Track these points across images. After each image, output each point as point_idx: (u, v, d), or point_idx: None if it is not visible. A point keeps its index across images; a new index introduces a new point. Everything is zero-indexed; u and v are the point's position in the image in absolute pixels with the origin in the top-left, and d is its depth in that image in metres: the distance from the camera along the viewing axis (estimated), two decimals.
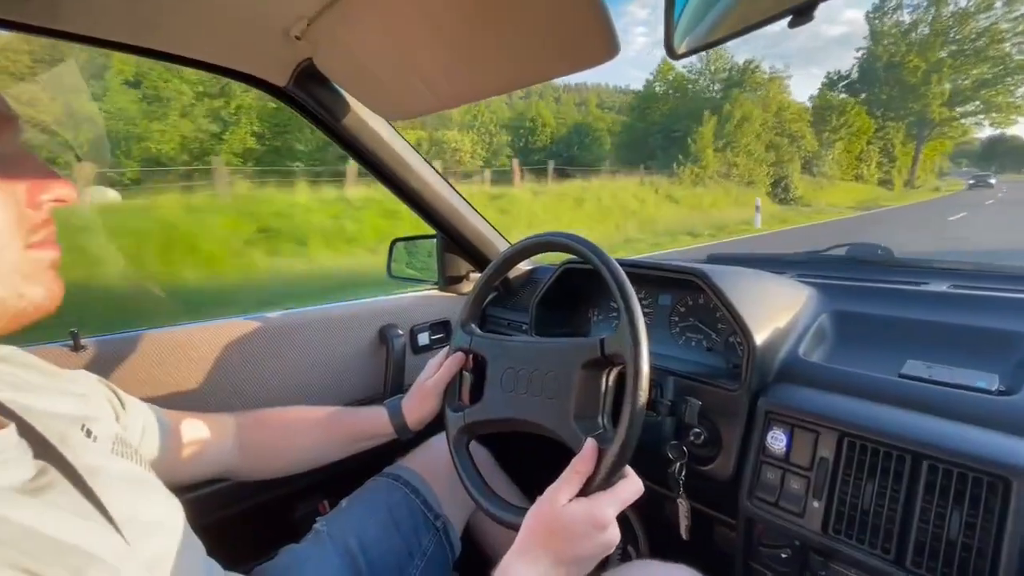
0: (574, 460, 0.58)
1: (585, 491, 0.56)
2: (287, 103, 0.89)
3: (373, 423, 0.84)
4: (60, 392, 0.52)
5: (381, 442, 0.85)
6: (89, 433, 0.50)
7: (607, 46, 0.53)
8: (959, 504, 0.55)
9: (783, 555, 0.69)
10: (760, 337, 0.75)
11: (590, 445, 0.58)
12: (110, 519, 0.42)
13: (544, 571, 0.53)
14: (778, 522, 0.69)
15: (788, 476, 0.68)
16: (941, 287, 0.85)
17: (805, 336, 0.80)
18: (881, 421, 0.63)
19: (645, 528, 1.03)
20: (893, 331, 0.79)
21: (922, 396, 0.64)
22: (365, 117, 0.94)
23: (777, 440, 0.70)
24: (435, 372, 0.82)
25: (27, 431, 0.42)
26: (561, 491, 0.56)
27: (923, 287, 0.87)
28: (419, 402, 0.83)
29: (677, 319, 0.98)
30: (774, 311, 0.81)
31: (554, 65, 0.60)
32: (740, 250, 1.24)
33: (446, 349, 0.83)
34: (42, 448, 0.42)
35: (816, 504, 0.65)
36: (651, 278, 0.99)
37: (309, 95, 0.87)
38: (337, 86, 0.86)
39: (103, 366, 0.86)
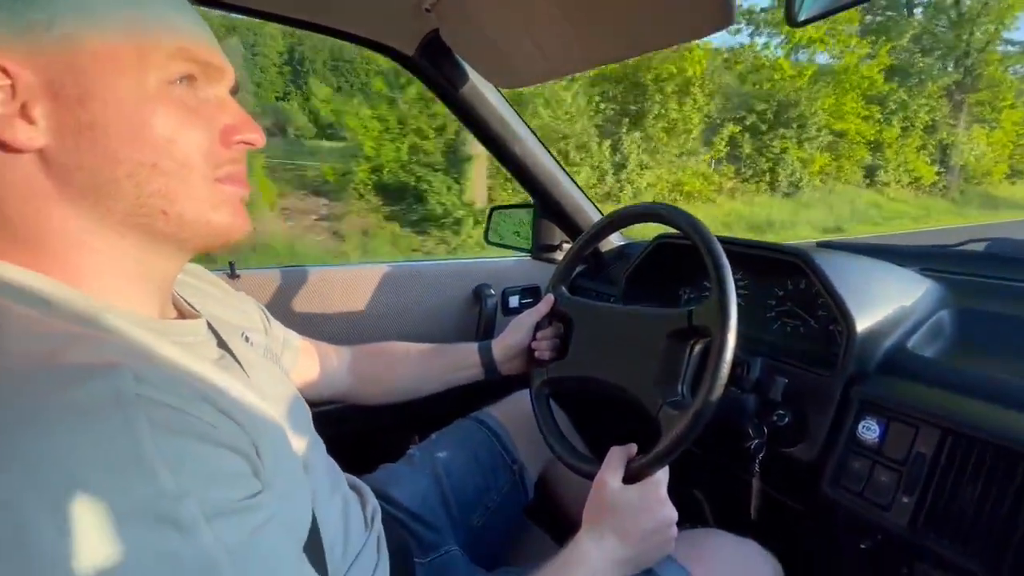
0: (614, 449, 0.64)
1: (659, 458, 0.60)
2: (413, 72, 0.98)
3: (465, 356, 0.90)
4: (229, 305, 0.65)
5: (470, 379, 0.91)
6: (247, 339, 0.62)
7: (722, 13, 0.53)
8: None
9: (862, 546, 0.67)
10: (862, 324, 0.72)
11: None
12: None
13: (612, 547, 0.59)
14: (861, 512, 0.67)
15: (877, 468, 0.66)
16: None
17: (918, 330, 0.75)
18: (998, 421, 0.58)
19: (710, 504, 1.04)
20: None
21: None
22: (480, 87, 1.00)
23: (869, 430, 0.67)
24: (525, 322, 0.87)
25: (209, 326, 0.54)
26: (609, 473, 0.62)
27: None
28: (510, 334, 0.88)
29: (774, 303, 0.95)
30: (882, 299, 0.76)
31: (667, 34, 0.61)
32: (856, 240, 1.16)
33: (533, 308, 0.87)
34: (219, 340, 0.54)
35: (906, 500, 0.62)
36: (750, 259, 0.96)
37: (433, 65, 0.94)
38: (458, 56, 0.93)
39: (251, 294, 1.03)
